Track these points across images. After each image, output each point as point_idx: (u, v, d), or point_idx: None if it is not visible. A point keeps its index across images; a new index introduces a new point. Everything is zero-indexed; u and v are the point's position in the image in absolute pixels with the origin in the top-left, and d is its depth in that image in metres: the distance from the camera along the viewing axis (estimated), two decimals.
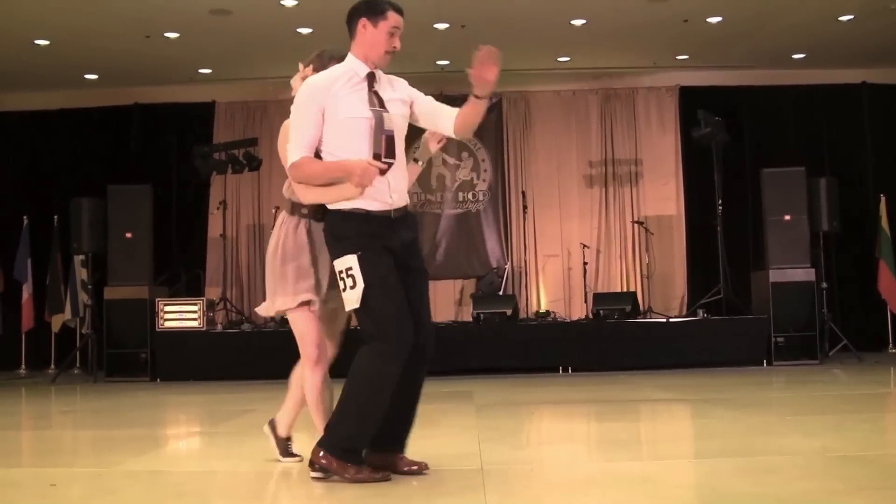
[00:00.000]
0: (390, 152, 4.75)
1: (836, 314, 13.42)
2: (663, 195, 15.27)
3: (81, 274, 14.02)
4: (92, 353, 13.02)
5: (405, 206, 4.85)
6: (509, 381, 11.18)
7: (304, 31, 12.90)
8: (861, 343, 13.21)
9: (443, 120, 5.08)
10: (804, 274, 12.53)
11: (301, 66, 5.27)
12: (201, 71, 14.74)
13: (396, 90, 4.96)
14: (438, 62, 14.50)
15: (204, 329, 12.63)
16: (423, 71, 14.71)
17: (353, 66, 4.83)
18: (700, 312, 12.98)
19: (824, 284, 12.86)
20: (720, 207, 13.22)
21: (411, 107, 5.02)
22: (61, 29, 12.52)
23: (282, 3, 11.90)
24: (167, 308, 12.64)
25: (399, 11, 4.89)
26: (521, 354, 12.37)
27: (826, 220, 12.91)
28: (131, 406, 9.56)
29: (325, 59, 5.15)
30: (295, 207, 5.06)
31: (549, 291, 15.16)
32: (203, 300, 12.87)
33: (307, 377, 5.12)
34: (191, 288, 14.13)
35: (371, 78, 4.81)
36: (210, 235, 15.06)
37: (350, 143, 4.68)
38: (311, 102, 4.72)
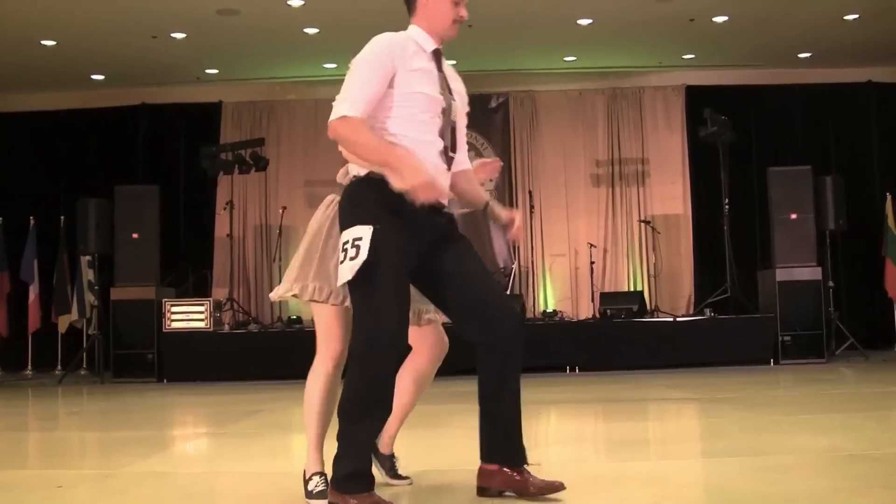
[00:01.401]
0: (453, 147, 4.23)
1: (842, 313, 13.39)
2: (670, 194, 15.26)
3: (88, 275, 14.05)
4: (99, 353, 13.04)
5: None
6: None
7: (311, 31, 12.92)
8: (868, 341, 13.22)
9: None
10: (811, 272, 12.52)
11: None
12: (208, 71, 14.76)
13: (459, 85, 4.34)
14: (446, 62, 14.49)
15: (211, 330, 12.63)
16: None
17: (416, 37, 4.15)
18: (707, 311, 12.98)
19: (831, 283, 12.86)
20: (727, 206, 13.22)
21: None
22: (68, 29, 12.54)
23: (289, 3, 11.90)
24: (174, 309, 12.65)
25: None
26: (529, 354, 12.13)
27: (832, 219, 12.90)
28: (138, 407, 9.57)
29: None
30: None
31: (557, 291, 15.16)
32: (210, 301, 12.88)
33: (317, 376, 4.37)
34: (198, 288, 14.14)
35: (438, 56, 4.19)
36: (217, 235, 15.06)
37: (408, 123, 4.04)
38: (386, 56, 4.01)
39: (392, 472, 4.71)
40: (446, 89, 4.16)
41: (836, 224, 12.93)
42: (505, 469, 4.26)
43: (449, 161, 4.20)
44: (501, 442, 4.32)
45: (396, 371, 4.12)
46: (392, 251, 3.90)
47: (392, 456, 4.74)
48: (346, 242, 3.93)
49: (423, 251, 4.06)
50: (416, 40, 4.13)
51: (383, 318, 3.88)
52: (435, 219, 4.12)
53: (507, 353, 4.24)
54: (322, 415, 4.40)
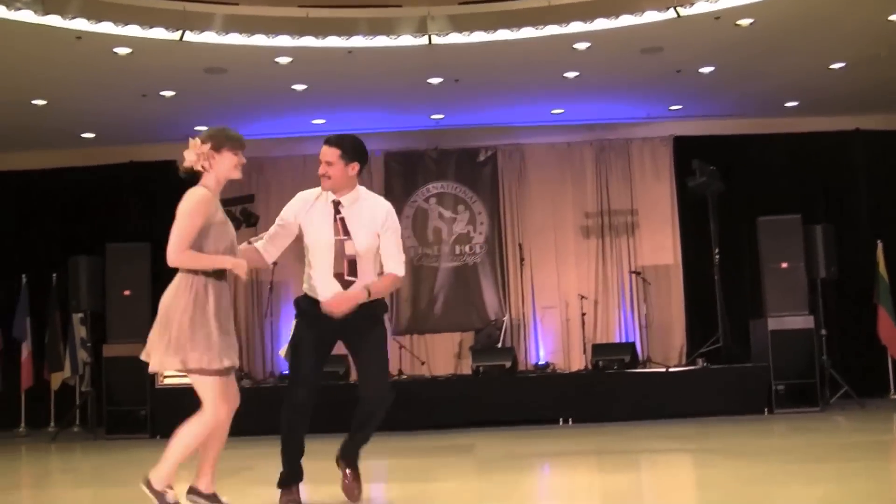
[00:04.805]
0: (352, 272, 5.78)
1: (836, 361, 13.34)
2: (660, 245, 15.26)
3: (80, 332, 14.02)
4: (92, 410, 13.00)
5: None
6: (510, 434, 11.14)
7: (299, 87, 12.98)
8: (862, 389, 13.14)
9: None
10: (803, 321, 12.50)
11: (197, 140, 5.44)
12: (197, 128, 14.74)
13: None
14: (433, 116, 14.58)
15: None
16: (417, 125, 14.83)
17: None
18: (699, 362, 12.95)
19: (823, 331, 12.84)
20: (717, 256, 13.24)
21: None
22: (58, 89, 12.59)
23: (276, 60, 11.97)
24: None
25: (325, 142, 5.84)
26: (521, 407, 12.33)
27: (823, 267, 12.91)
28: (131, 463, 9.51)
29: (223, 138, 5.46)
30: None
31: (548, 343, 15.13)
32: None
33: (203, 428, 5.63)
34: None
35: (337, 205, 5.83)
36: None
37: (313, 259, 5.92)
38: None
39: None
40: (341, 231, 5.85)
41: (828, 272, 12.93)
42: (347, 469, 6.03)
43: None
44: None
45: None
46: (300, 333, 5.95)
47: (214, 494, 5.59)
48: None
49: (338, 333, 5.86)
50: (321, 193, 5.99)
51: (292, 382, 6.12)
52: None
53: (370, 413, 5.84)
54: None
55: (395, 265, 5.82)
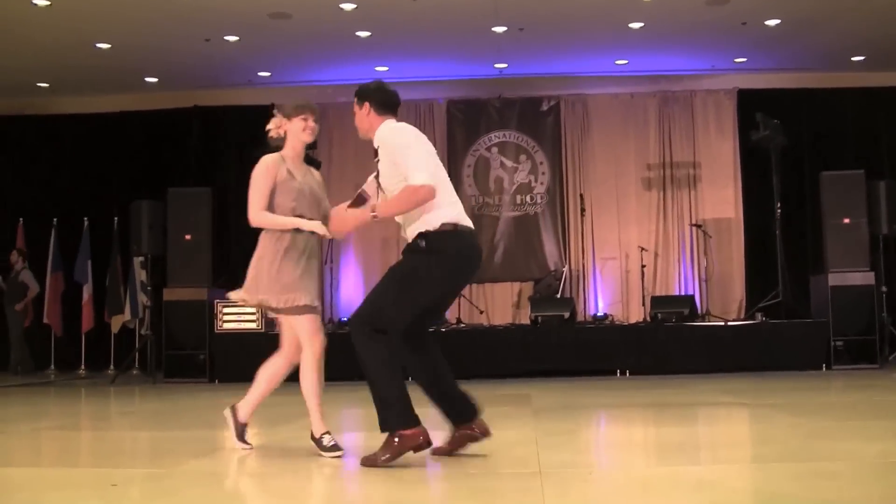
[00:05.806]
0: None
1: None
2: (722, 198, 15.16)
3: (141, 275, 14.20)
4: (151, 354, 13.15)
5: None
6: (567, 384, 11.15)
7: (363, 34, 12.96)
8: None
9: None
10: (863, 277, 12.40)
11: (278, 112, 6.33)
12: (260, 74, 14.84)
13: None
14: (496, 65, 14.52)
15: (262, 331, 12.69)
16: (481, 74, 14.76)
17: None
18: (759, 316, 12.89)
19: (884, 288, 12.71)
20: (779, 210, 13.11)
21: None
22: (122, 33, 12.67)
23: (340, 6, 11.96)
24: (226, 310, 12.72)
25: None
26: (579, 357, 12.34)
27: (886, 223, 12.76)
28: (190, 407, 9.64)
29: (291, 107, 6.22)
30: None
31: (607, 294, 15.12)
32: None
33: (315, 362, 5.97)
34: None
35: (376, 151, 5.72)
36: None
37: None
38: None
39: (241, 437, 6.18)
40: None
41: (890, 229, 12.78)
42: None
43: None
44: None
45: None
46: None
47: (245, 425, 6.26)
48: None
49: None
50: None
51: None
52: None
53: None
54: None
55: (410, 176, 5.44)
